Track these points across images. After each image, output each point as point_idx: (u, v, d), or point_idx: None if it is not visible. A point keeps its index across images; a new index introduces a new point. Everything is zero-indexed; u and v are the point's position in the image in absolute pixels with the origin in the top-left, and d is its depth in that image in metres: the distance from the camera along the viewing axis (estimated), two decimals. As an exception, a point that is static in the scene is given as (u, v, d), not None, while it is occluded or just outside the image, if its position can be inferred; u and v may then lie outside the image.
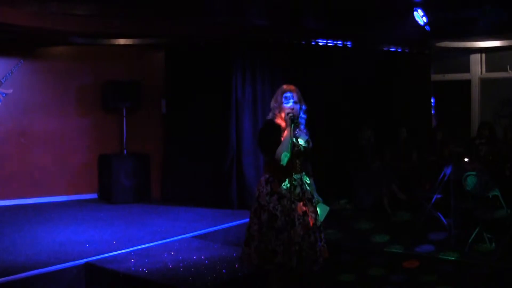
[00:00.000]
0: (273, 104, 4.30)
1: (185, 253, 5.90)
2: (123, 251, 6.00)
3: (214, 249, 6.08)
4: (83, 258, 5.69)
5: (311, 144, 4.30)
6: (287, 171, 4.12)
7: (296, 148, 4.13)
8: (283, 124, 4.21)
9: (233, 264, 5.45)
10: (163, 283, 5.04)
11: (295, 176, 4.17)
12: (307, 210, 4.16)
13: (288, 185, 4.12)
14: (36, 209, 8.48)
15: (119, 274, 5.33)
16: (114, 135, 9.37)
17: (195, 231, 6.95)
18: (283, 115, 4.21)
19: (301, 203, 4.15)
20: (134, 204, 8.80)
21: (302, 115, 4.29)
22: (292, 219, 4.07)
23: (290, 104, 4.21)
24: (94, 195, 9.39)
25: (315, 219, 4.21)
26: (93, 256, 5.77)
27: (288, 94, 4.24)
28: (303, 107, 4.29)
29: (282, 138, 4.13)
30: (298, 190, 4.17)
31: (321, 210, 4.34)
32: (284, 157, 4.05)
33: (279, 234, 4.05)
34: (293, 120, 4.13)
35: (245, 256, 4.24)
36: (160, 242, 6.42)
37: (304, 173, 4.28)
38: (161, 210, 8.37)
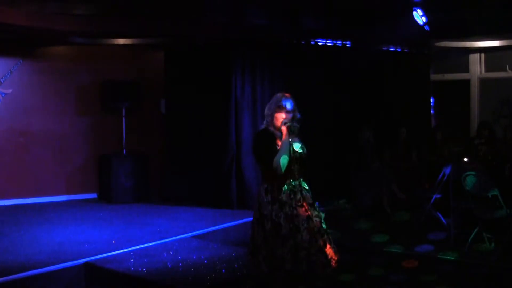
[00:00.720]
0: (267, 111, 4.28)
1: (184, 253, 5.90)
2: (122, 251, 6.00)
3: (214, 249, 6.07)
4: (82, 258, 5.69)
5: (305, 149, 4.30)
6: (285, 178, 4.13)
7: (292, 155, 4.13)
8: (277, 132, 4.20)
9: (232, 264, 5.45)
10: (163, 283, 5.04)
11: (294, 182, 4.17)
12: (310, 214, 4.16)
13: (288, 190, 4.12)
14: (35, 209, 8.48)
15: (119, 274, 5.33)
16: (113, 135, 9.37)
17: (195, 231, 6.95)
18: (277, 123, 4.20)
19: (303, 209, 4.14)
20: (134, 204, 8.80)
21: (295, 124, 4.25)
22: (296, 225, 4.07)
23: (285, 113, 4.19)
24: (93, 195, 9.39)
25: (320, 222, 4.20)
26: (92, 256, 5.77)
27: (284, 103, 4.21)
28: (297, 115, 4.27)
29: (277, 147, 4.12)
30: (298, 195, 4.17)
31: None
32: (283, 166, 4.04)
33: (285, 241, 4.05)
34: (289, 128, 4.12)
35: (254, 266, 4.21)
36: (159, 242, 6.42)
37: (302, 179, 4.27)
38: (160, 210, 8.37)
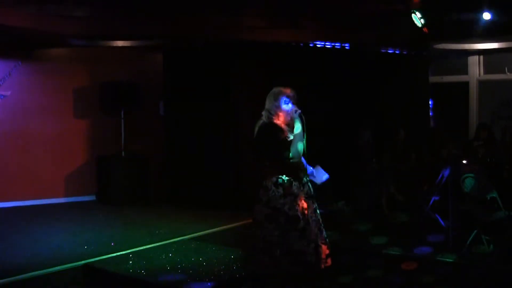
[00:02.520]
0: (271, 106, 4.28)
1: (183, 255, 5.90)
2: (121, 252, 6.01)
3: (212, 251, 6.07)
4: (81, 260, 5.69)
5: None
6: (299, 169, 4.15)
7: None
8: (283, 125, 4.20)
9: (231, 266, 5.45)
10: (161, 285, 5.04)
11: (304, 178, 4.22)
12: (315, 207, 4.20)
13: (297, 182, 4.15)
14: (34, 211, 8.48)
15: (117, 276, 5.32)
16: (112, 137, 9.38)
17: (193, 232, 6.95)
18: (286, 117, 4.21)
19: (311, 201, 4.18)
20: (132, 205, 8.80)
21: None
22: (307, 217, 4.09)
23: (290, 106, 4.23)
24: (92, 197, 9.38)
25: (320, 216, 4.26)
26: (91, 258, 5.78)
27: (289, 97, 4.28)
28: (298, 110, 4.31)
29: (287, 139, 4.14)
30: (306, 187, 4.20)
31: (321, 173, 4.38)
32: (301, 151, 4.09)
33: (302, 234, 4.04)
34: (301, 116, 4.17)
35: (269, 264, 4.14)
36: (158, 243, 6.42)
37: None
38: (159, 211, 8.37)
